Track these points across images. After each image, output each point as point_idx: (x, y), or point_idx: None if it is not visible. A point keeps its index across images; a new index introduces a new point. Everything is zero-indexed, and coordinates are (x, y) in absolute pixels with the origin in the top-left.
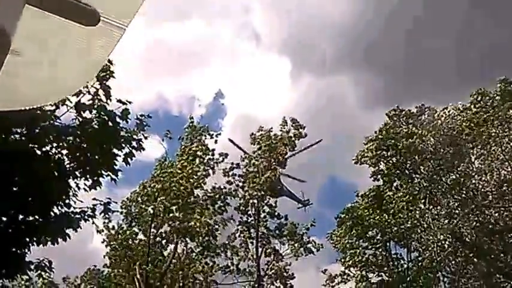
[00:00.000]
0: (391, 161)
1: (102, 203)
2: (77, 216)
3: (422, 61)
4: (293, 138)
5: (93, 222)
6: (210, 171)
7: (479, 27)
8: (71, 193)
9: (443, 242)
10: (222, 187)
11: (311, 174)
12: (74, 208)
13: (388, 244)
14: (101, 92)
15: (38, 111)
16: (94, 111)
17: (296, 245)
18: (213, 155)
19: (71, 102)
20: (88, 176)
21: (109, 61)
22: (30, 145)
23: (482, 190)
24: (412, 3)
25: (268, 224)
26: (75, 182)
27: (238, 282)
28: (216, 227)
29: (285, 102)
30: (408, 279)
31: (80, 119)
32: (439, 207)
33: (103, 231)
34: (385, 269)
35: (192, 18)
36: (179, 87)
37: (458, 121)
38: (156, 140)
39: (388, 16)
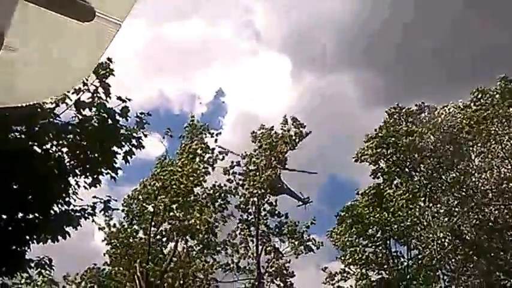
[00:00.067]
0: (391, 159)
1: (102, 201)
2: (77, 214)
3: (423, 60)
4: (294, 137)
5: (93, 220)
6: (210, 169)
7: (479, 26)
8: (70, 191)
9: (443, 240)
10: (222, 185)
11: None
12: (74, 206)
13: (388, 242)
14: (100, 90)
15: (39, 109)
16: (94, 109)
17: (296, 243)
18: (212, 153)
19: (70, 100)
20: (88, 174)
21: (108, 59)
22: (30, 143)
23: (482, 188)
24: (412, 2)
25: (268, 222)
26: (75, 180)
27: (239, 280)
28: (216, 224)
29: (286, 100)
30: (408, 277)
31: (80, 117)
32: (438, 205)
33: (104, 228)
34: (385, 266)
35: (192, 17)
36: (180, 85)
37: (458, 119)
38: (157, 139)
39: (388, 15)
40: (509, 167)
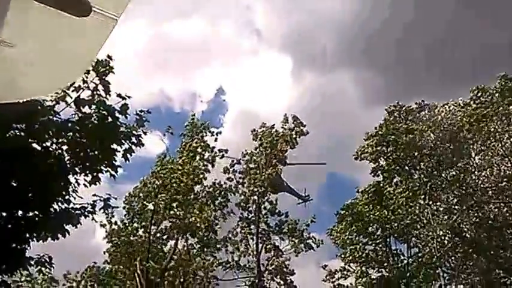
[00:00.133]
0: (391, 157)
1: (102, 199)
2: (77, 212)
3: (423, 59)
4: (294, 136)
5: (93, 218)
6: (210, 166)
7: (479, 26)
8: (70, 189)
9: (442, 238)
10: (222, 183)
11: (311, 170)
12: (74, 204)
13: (388, 240)
14: (100, 88)
15: (39, 107)
16: (93, 107)
17: (296, 241)
18: (212, 151)
19: (70, 97)
20: (88, 172)
21: (108, 56)
22: (30, 141)
23: (482, 186)
24: (412, 2)
25: (268, 220)
26: (75, 178)
27: (239, 278)
28: (216, 221)
29: (286, 99)
30: (408, 274)
31: (80, 115)
32: (438, 203)
33: (105, 225)
34: (385, 264)
35: (193, 16)
36: (181, 84)
37: (458, 117)
38: (157, 137)
39: (388, 14)
40: (509, 165)
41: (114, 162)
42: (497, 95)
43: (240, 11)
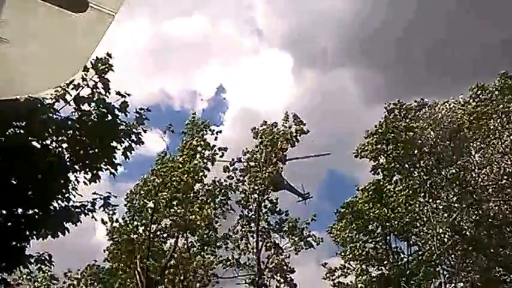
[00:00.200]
0: (391, 155)
1: (102, 197)
2: (77, 210)
3: (423, 58)
4: (295, 134)
5: (93, 217)
6: (210, 165)
7: (479, 25)
8: (70, 187)
9: (442, 236)
10: (222, 181)
11: (311, 168)
12: (74, 202)
13: (388, 238)
14: (100, 85)
15: (38, 105)
16: (93, 104)
17: (296, 238)
18: (212, 149)
19: (70, 95)
20: (87, 170)
21: (108, 54)
22: (30, 138)
23: (482, 184)
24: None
25: (269, 219)
26: (75, 176)
27: (239, 276)
28: (216, 219)
29: (286, 97)
30: (408, 272)
31: (79, 112)
32: (438, 201)
33: (107, 223)
34: (385, 262)
35: (194, 14)
36: (181, 82)
37: (458, 115)
38: (158, 135)
39: (388, 13)
40: (509, 162)
41: (114, 160)
42: (496, 92)
43: (240, 10)
